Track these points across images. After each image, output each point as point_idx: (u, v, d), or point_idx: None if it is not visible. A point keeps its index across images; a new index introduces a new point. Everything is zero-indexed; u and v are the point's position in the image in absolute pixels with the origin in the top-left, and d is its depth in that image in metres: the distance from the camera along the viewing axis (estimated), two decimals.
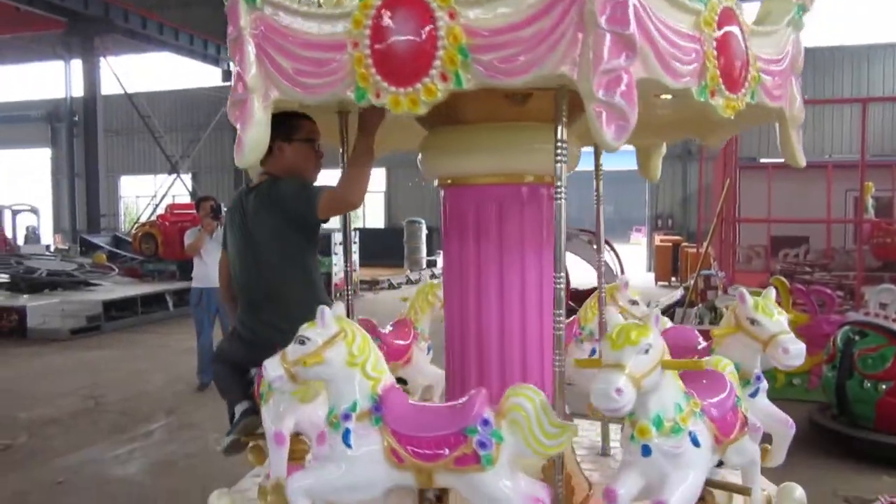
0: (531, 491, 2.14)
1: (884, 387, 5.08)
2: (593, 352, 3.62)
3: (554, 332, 2.33)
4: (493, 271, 2.81)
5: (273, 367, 2.21)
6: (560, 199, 2.27)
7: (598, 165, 3.57)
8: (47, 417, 6.52)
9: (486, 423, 2.09)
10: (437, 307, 3.90)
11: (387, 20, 2.09)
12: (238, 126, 2.31)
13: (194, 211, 9.56)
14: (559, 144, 2.25)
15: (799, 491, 2.65)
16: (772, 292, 2.85)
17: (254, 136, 2.27)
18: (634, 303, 3.77)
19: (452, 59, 2.04)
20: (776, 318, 2.70)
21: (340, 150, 3.06)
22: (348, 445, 2.16)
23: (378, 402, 2.19)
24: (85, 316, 11.06)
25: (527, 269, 2.84)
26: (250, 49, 2.28)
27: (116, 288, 13.12)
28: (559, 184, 2.26)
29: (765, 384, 2.95)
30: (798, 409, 5.74)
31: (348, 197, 2.77)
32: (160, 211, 18.85)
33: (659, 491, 2.16)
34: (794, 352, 2.60)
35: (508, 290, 2.82)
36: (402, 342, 3.82)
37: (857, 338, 5.37)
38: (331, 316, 2.23)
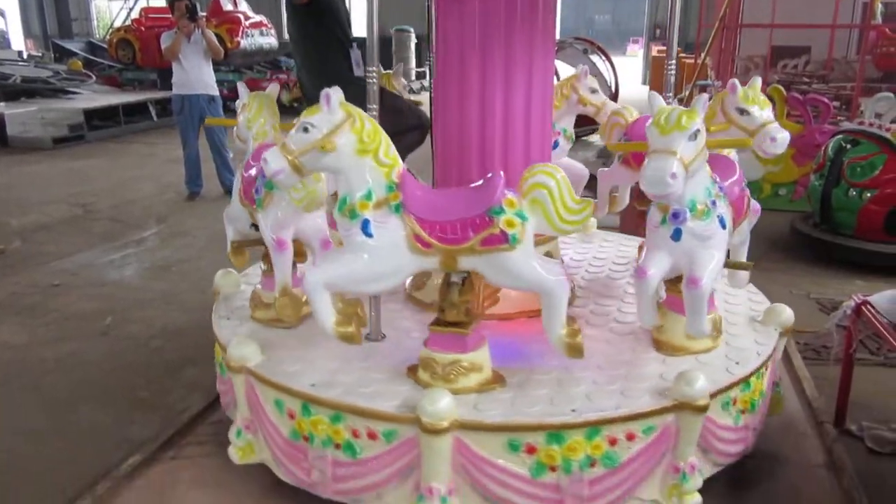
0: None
1: (868, 195, 5.12)
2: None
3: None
4: (497, 68, 2.72)
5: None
6: None
7: None
8: (38, 224, 6.55)
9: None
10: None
11: None
12: None
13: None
14: None
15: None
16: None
17: None
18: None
19: None
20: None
21: None
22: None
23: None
24: (67, 125, 10.82)
25: (519, 72, 2.74)
26: None
27: (96, 97, 12.75)
28: None
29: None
30: (781, 218, 5.87)
31: None
32: (134, 15, 17.88)
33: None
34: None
35: (513, 80, 2.75)
36: None
37: (848, 146, 5.33)
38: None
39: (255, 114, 2.74)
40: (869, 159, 5.17)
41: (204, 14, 8.74)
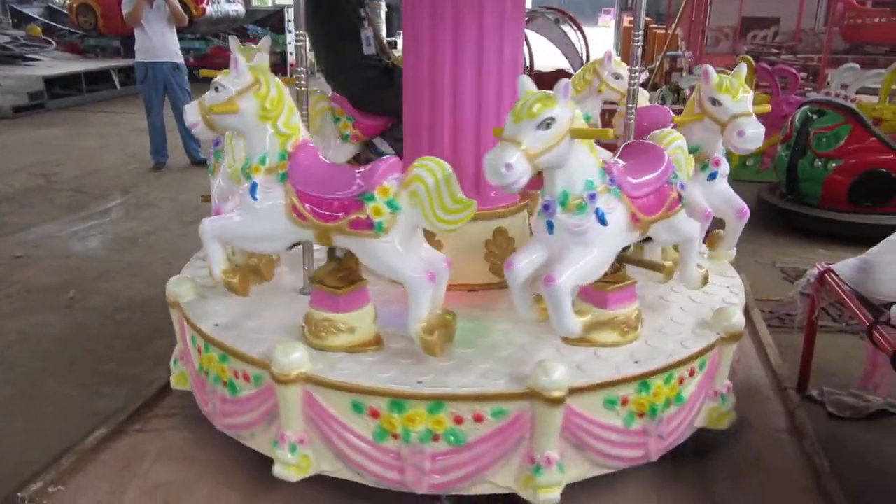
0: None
1: (833, 164, 5.20)
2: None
3: None
4: (469, 43, 2.69)
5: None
6: None
7: None
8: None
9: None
10: None
11: None
12: None
13: None
14: None
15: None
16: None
17: None
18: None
19: None
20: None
21: None
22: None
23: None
24: (27, 93, 10.53)
25: (489, 41, 2.70)
26: None
27: (57, 64, 12.39)
28: None
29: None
30: (748, 188, 5.91)
31: None
32: None
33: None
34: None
35: (475, 61, 2.72)
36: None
37: (815, 117, 5.39)
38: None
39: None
40: (834, 129, 5.24)
41: None
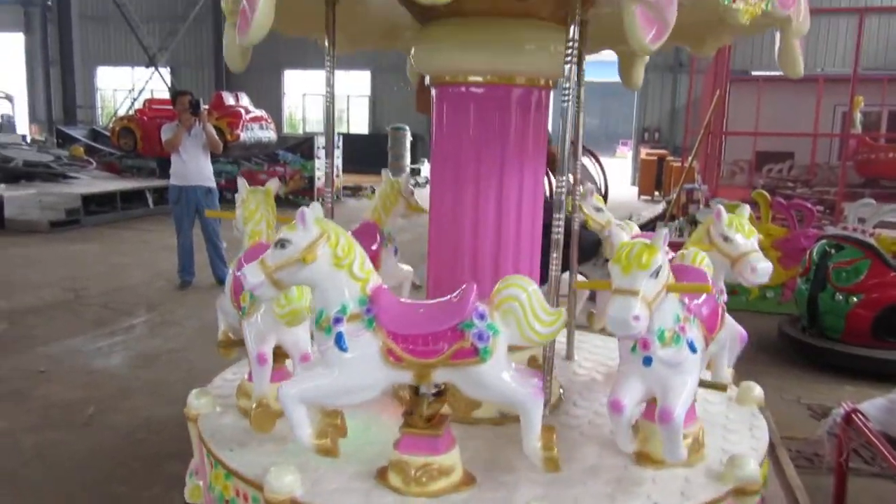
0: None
1: (855, 299, 5.19)
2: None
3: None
4: (492, 176, 2.80)
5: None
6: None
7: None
8: (28, 307, 6.53)
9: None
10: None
11: None
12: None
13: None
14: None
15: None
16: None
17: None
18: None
19: None
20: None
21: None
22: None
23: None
24: (64, 209, 10.94)
25: (510, 174, 2.81)
26: None
27: (95, 182, 12.94)
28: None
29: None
30: (769, 321, 5.92)
31: None
32: (138, 105, 18.39)
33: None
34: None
35: (506, 192, 2.82)
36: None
37: (832, 251, 5.44)
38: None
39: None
40: (853, 264, 5.27)
41: (206, 107, 9.01)
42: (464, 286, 2.21)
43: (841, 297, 5.25)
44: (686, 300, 2.34)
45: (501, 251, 2.86)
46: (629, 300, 2.05)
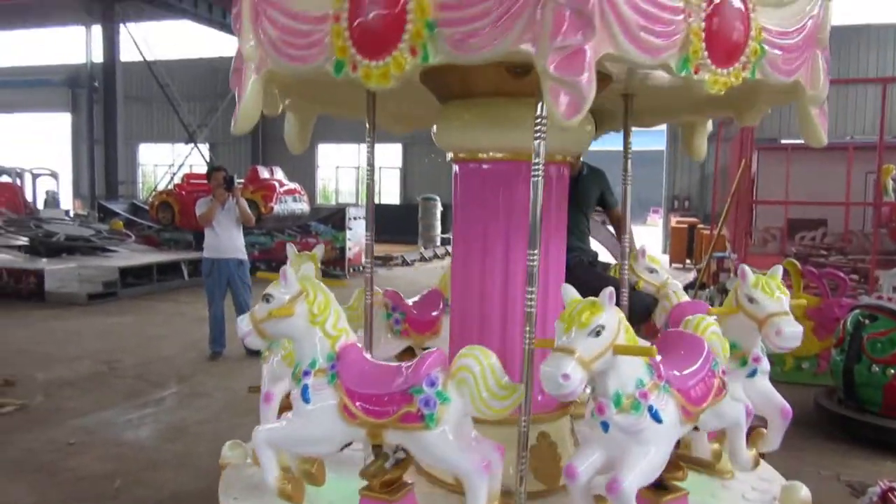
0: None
1: (892, 371, 5.05)
2: None
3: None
4: (497, 247, 2.84)
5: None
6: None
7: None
8: (63, 379, 6.64)
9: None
10: None
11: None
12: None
13: None
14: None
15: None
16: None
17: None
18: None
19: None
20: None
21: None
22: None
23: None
24: (102, 282, 11.22)
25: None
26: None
27: (133, 255, 13.29)
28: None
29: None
30: (805, 392, 5.76)
31: None
32: (177, 180, 18.99)
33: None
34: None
35: (513, 265, 2.84)
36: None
37: (867, 321, 5.33)
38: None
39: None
40: (888, 335, 5.15)
41: (241, 181, 9.29)
42: (425, 351, 2.29)
43: (877, 369, 5.12)
44: (660, 366, 2.22)
45: (507, 322, 2.87)
46: (561, 358, 2.00)
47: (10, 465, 4.58)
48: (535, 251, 2.28)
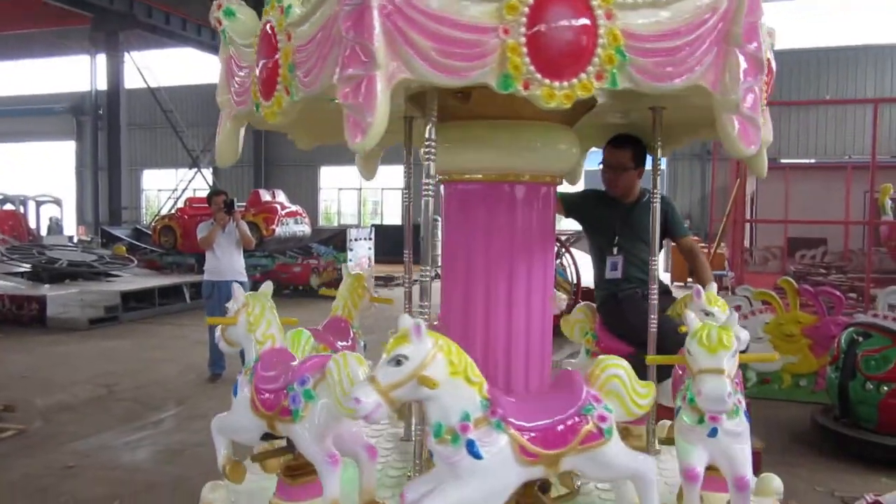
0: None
1: (886, 388, 5.06)
2: None
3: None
4: (477, 265, 2.91)
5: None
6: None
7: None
8: (62, 404, 6.67)
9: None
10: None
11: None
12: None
13: None
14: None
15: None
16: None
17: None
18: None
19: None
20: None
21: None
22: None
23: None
24: (103, 306, 11.26)
25: (517, 267, 2.90)
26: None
27: (135, 279, 13.34)
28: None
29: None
30: (803, 409, 5.76)
31: None
32: (180, 204, 19.11)
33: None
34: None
35: (494, 283, 2.88)
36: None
37: (860, 339, 5.35)
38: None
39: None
40: (882, 352, 5.17)
41: (242, 205, 9.36)
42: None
43: (871, 386, 5.12)
44: (498, 402, 2.12)
45: (513, 338, 2.87)
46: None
47: (9, 489, 4.61)
48: (428, 267, 2.57)
